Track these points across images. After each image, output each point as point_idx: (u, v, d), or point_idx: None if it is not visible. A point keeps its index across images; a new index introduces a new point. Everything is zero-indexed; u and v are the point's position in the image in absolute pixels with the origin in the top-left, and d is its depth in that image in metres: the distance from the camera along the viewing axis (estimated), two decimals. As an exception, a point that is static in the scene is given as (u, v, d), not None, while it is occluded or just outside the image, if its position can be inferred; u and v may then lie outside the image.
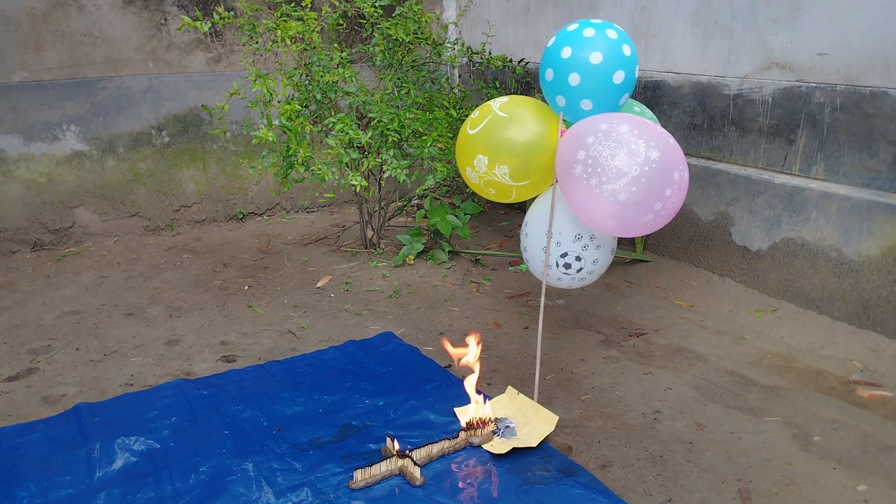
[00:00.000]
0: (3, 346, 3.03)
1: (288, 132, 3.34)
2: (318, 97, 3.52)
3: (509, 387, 2.51)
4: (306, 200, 4.97)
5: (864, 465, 2.17)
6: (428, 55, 4.01)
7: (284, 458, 2.20)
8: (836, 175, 3.02)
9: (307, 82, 3.58)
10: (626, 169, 1.98)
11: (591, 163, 2.02)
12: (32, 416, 2.48)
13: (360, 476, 2.07)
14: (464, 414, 2.39)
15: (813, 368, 2.76)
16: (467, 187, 3.90)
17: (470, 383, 2.41)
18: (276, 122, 3.43)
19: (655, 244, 3.90)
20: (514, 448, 2.22)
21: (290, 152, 3.37)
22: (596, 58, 2.14)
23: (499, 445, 2.24)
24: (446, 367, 2.80)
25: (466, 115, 3.60)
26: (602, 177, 2.01)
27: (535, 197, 2.48)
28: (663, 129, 2.12)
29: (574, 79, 2.16)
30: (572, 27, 2.22)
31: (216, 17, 3.36)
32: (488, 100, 2.56)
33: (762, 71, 3.24)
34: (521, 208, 4.63)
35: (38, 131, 4.13)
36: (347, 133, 3.33)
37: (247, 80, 3.37)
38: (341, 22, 3.77)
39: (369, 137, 3.41)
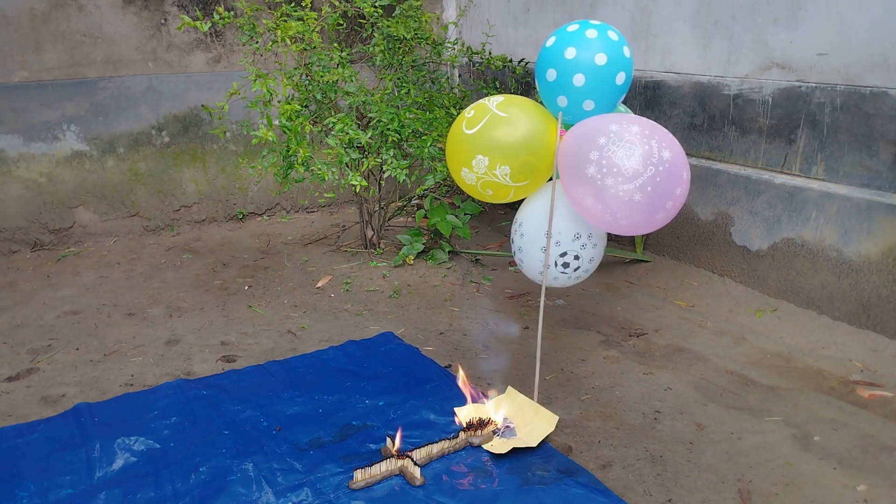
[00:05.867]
0: (3, 346, 3.03)
1: (288, 132, 3.33)
2: (318, 97, 3.52)
3: (509, 387, 2.51)
4: (306, 200, 4.97)
5: (864, 465, 2.17)
6: (428, 55, 4.01)
7: (284, 458, 2.20)
8: (836, 175, 3.02)
9: (307, 82, 3.58)
10: (642, 169, 1.99)
11: (605, 163, 2.02)
12: (32, 416, 2.48)
13: (360, 476, 2.07)
14: (464, 414, 2.39)
15: (813, 368, 2.76)
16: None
17: (464, 384, 2.44)
18: (276, 122, 3.43)
19: (655, 244, 3.90)
20: (514, 448, 2.22)
21: (290, 152, 3.37)
22: (601, 59, 2.15)
23: (499, 445, 2.24)
24: (446, 367, 2.80)
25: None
26: (618, 177, 2.01)
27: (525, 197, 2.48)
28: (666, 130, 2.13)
29: (579, 79, 2.17)
30: (572, 28, 2.22)
31: (216, 17, 3.36)
32: (486, 100, 2.55)
33: (762, 71, 3.24)
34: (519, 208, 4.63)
35: (38, 131, 4.13)
36: (347, 133, 3.33)
37: (247, 80, 3.37)
38: (341, 22, 3.77)
39: (369, 137, 3.41)
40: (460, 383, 2.50)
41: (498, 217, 4.79)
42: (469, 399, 2.46)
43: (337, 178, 3.41)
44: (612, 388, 2.65)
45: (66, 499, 2.03)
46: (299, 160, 3.30)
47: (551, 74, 2.23)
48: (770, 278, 3.28)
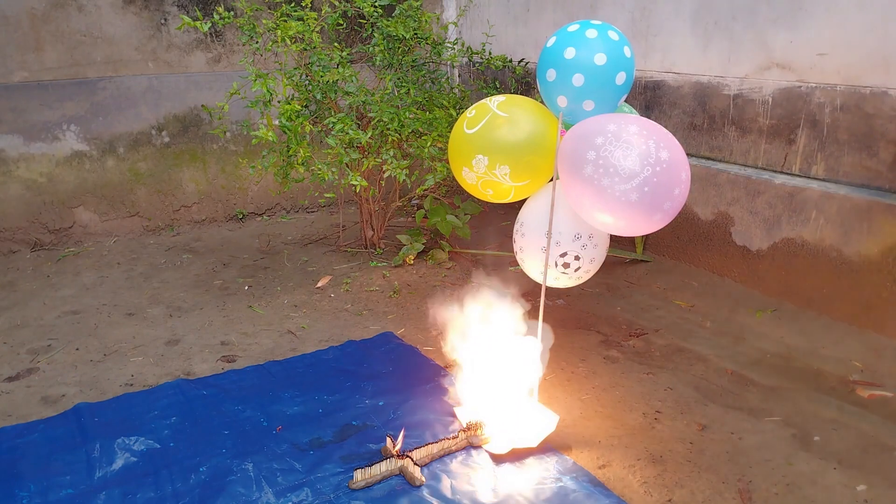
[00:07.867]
0: (3, 346, 3.03)
1: (288, 132, 3.33)
2: (318, 97, 3.52)
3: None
4: (306, 200, 4.96)
5: (864, 465, 2.17)
6: (428, 55, 4.01)
7: (284, 458, 2.21)
8: (836, 175, 3.02)
9: (307, 82, 3.58)
10: (639, 170, 1.98)
11: (602, 163, 2.02)
12: (32, 416, 2.48)
13: (360, 476, 2.07)
14: (464, 414, 2.39)
15: (813, 368, 2.76)
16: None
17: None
18: (276, 122, 3.43)
19: (655, 244, 3.90)
20: (514, 448, 2.22)
21: (290, 152, 3.37)
22: (600, 59, 2.15)
23: (499, 445, 2.24)
24: (446, 367, 2.80)
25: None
26: (614, 177, 2.01)
27: (526, 197, 2.48)
28: (666, 130, 2.13)
29: (578, 79, 2.17)
30: (573, 28, 2.22)
31: (216, 17, 3.36)
32: (486, 99, 2.55)
33: (762, 71, 3.24)
34: (521, 208, 4.63)
35: (38, 131, 4.13)
36: (347, 133, 3.33)
37: (247, 80, 3.37)
38: (341, 22, 3.77)
39: (369, 137, 3.41)
40: (461, 382, 2.50)
41: (498, 217, 4.78)
42: (468, 400, 2.46)
43: (337, 178, 3.41)
44: (612, 388, 2.65)
45: (66, 499, 2.03)
46: (299, 160, 3.30)
47: (551, 74, 2.23)
48: (770, 278, 3.28)
